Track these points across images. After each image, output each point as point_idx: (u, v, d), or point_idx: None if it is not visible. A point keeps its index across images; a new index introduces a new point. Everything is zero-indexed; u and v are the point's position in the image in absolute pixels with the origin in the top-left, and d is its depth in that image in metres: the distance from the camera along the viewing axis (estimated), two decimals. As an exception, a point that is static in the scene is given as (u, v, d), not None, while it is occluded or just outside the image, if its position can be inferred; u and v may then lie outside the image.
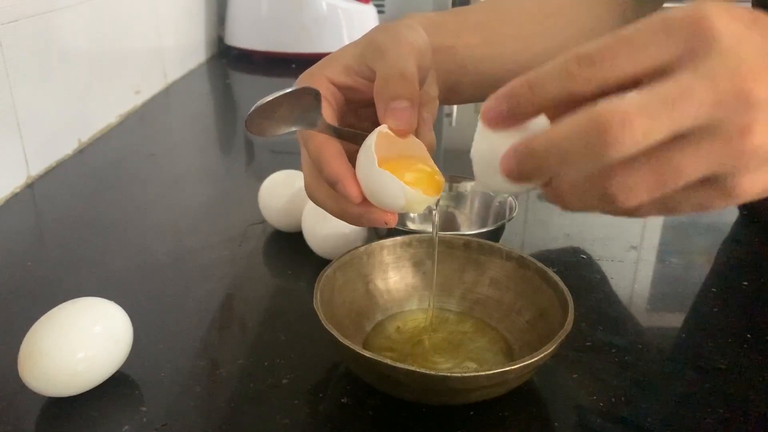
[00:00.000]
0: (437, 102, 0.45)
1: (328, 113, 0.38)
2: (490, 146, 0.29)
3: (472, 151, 0.30)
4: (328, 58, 0.41)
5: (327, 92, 0.39)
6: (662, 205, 0.28)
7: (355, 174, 0.36)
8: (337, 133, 0.37)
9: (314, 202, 0.40)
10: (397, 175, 0.34)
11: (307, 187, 0.40)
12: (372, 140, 0.35)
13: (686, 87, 0.25)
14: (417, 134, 0.38)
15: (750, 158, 0.26)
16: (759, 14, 0.27)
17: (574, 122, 0.25)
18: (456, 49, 0.47)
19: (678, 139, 0.26)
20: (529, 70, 0.49)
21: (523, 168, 0.27)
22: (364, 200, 0.36)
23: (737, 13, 0.26)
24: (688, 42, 0.25)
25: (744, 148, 0.26)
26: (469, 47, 0.47)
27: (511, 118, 0.28)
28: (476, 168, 0.31)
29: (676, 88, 0.25)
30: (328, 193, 0.38)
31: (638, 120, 0.24)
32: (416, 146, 0.37)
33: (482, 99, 0.52)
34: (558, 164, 0.26)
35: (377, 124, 0.37)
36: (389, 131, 0.36)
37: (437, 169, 0.37)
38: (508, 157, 0.28)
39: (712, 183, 0.27)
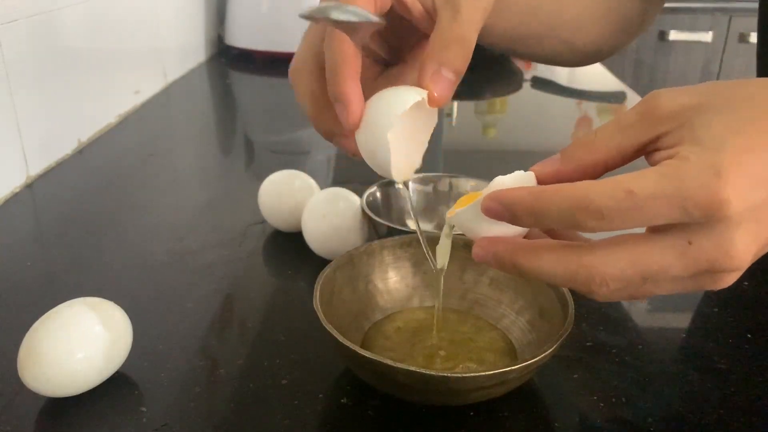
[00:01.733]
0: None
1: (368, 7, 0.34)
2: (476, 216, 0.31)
3: (463, 210, 0.32)
4: None
5: None
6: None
7: (363, 105, 0.34)
8: (370, 54, 0.35)
9: (293, 85, 0.37)
10: (394, 150, 0.33)
11: (294, 71, 0.37)
12: (404, 107, 0.33)
13: (667, 264, 0.27)
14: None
15: (719, 286, 0.28)
16: None
17: (558, 263, 0.28)
18: None
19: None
20: (561, 32, 0.49)
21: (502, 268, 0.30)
22: (346, 128, 0.34)
23: (759, 175, 0.26)
24: (696, 219, 0.26)
25: (714, 287, 0.28)
26: None
27: (509, 222, 0.29)
28: (461, 224, 0.32)
29: (657, 263, 0.27)
30: (314, 90, 0.36)
31: (614, 283, 0.27)
32: (428, 116, 0.36)
33: (508, 52, 0.49)
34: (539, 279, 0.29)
35: (394, 46, 0.36)
36: (423, 98, 0.34)
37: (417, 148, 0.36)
38: (495, 263, 0.30)
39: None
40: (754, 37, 2.02)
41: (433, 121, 0.36)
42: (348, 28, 0.32)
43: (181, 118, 0.98)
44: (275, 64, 1.22)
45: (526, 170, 0.31)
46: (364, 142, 0.34)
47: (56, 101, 0.73)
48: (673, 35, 2.03)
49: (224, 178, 0.75)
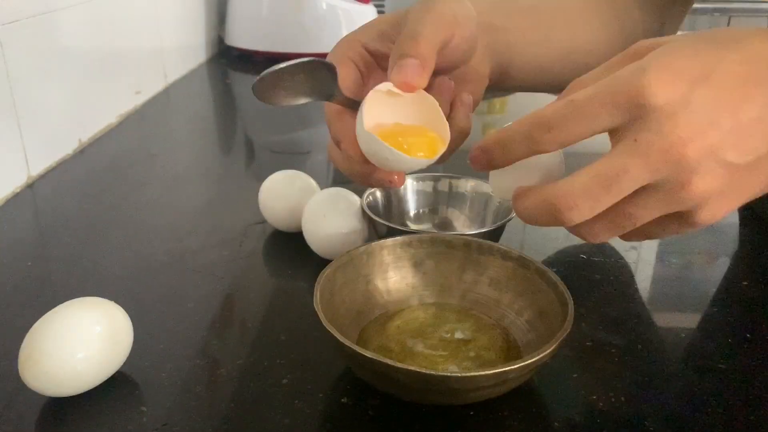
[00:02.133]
0: (486, 81, 0.47)
1: (355, 78, 0.41)
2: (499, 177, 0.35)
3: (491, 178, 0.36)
4: (367, 23, 0.43)
5: (358, 57, 0.41)
6: (637, 234, 0.33)
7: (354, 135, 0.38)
8: (354, 104, 0.38)
9: (333, 164, 0.43)
10: (389, 138, 0.35)
11: (328, 152, 0.43)
12: (365, 99, 0.37)
13: (622, 166, 0.29)
14: (453, 116, 0.40)
15: (699, 199, 0.29)
16: (716, 66, 0.29)
17: (533, 201, 0.31)
18: (508, 31, 0.48)
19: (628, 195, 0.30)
20: (576, 57, 0.54)
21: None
22: (368, 161, 0.38)
23: (684, 71, 0.29)
24: (629, 112, 0.29)
25: (689, 196, 0.29)
26: (520, 30, 0.49)
27: (491, 167, 0.34)
28: (492, 185, 0.37)
29: (613, 167, 0.29)
30: (341, 155, 0.41)
31: (582, 202, 0.29)
32: (428, 106, 0.38)
33: (532, 88, 0.55)
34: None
35: None
36: (392, 89, 0.37)
37: (442, 134, 0.38)
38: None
39: (675, 217, 0.31)
40: (754, 38, 2.02)
41: (432, 102, 0.38)
42: (314, 99, 0.37)
43: (182, 118, 0.98)
44: (275, 64, 1.22)
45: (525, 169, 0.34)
46: (371, 156, 0.37)
47: (57, 101, 0.74)
48: (673, 35, 2.03)
49: (224, 178, 0.75)
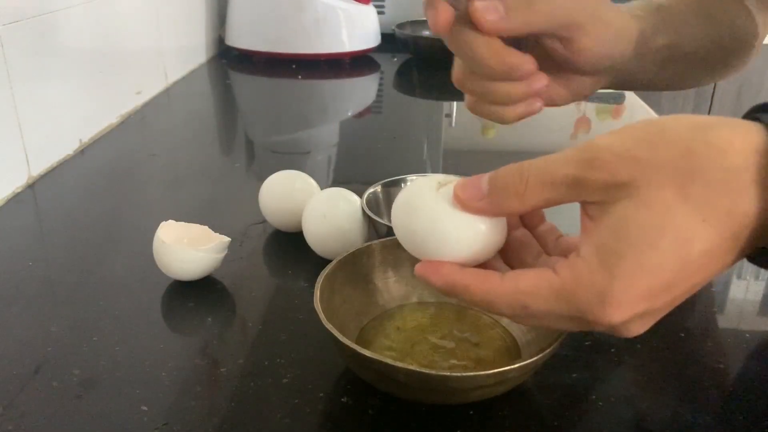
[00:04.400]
0: None
1: None
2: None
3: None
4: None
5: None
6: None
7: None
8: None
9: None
10: None
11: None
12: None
13: (551, 313, 0.29)
14: None
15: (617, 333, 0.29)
16: (679, 284, 0.28)
17: (468, 294, 0.31)
18: (645, 56, 0.46)
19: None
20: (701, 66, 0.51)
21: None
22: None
23: (644, 299, 0.27)
24: (581, 323, 0.29)
25: (606, 330, 0.29)
26: (659, 50, 0.47)
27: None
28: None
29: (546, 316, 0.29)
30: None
31: (499, 311, 0.30)
32: None
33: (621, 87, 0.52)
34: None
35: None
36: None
37: None
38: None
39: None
40: (754, 38, 2.02)
41: None
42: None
43: (182, 118, 0.98)
44: (275, 64, 1.22)
45: None
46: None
47: (58, 101, 0.74)
48: (674, 36, 2.03)
49: (225, 178, 0.75)
